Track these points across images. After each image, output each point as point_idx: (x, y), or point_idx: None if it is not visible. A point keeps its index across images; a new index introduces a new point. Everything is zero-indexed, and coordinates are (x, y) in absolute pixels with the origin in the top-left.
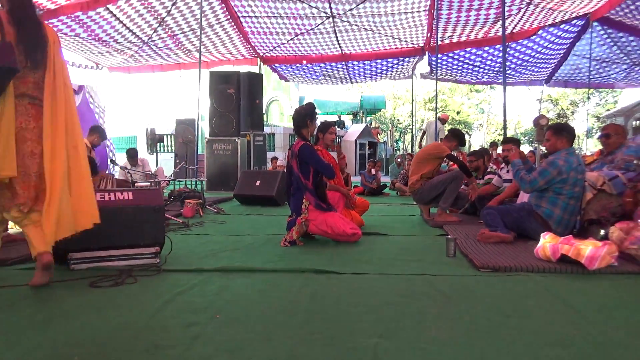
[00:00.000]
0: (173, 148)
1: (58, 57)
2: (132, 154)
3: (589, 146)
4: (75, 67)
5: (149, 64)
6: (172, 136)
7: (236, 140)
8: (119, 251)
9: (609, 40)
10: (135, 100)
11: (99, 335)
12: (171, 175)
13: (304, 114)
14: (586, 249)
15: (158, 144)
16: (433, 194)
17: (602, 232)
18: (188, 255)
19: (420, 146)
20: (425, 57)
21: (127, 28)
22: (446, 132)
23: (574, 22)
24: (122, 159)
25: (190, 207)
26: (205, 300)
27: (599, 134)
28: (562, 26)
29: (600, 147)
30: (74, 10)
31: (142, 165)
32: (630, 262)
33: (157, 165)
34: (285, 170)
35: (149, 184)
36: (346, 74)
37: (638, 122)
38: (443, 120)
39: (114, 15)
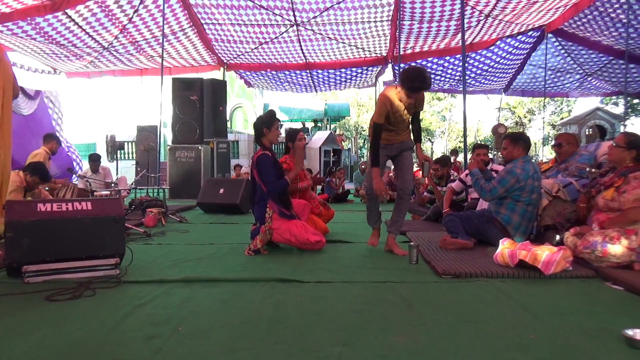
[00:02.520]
0: (134, 155)
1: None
2: (94, 158)
3: (545, 153)
4: (32, 71)
5: (109, 69)
6: (133, 143)
7: (199, 147)
8: (77, 263)
9: (562, 51)
10: (95, 106)
11: (55, 351)
12: (132, 184)
13: (260, 122)
14: (542, 254)
15: (118, 151)
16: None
17: (558, 237)
18: (149, 266)
19: None
20: (389, 66)
21: (87, 33)
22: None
23: (530, 33)
24: (83, 166)
25: (152, 216)
26: (167, 312)
27: (553, 142)
28: (519, 37)
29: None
30: (30, 15)
31: (103, 174)
32: (584, 266)
33: (117, 174)
34: (249, 178)
35: (109, 193)
36: (310, 82)
37: (590, 130)
38: None
39: (73, 20)
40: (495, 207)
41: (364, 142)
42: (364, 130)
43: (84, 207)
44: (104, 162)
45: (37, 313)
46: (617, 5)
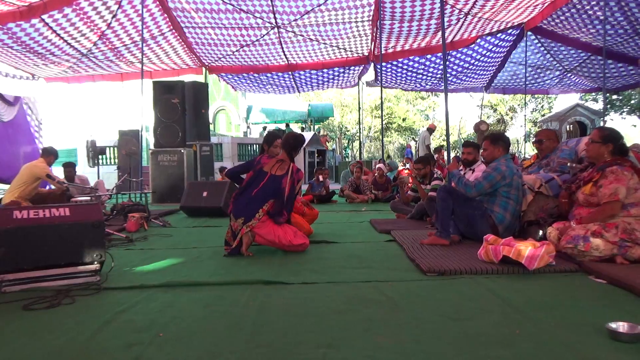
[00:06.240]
0: (116, 160)
1: None
2: (68, 168)
3: (527, 150)
4: (10, 77)
5: (88, 74)
6: (115, 148)
7: (182, 150)
8: (55, 270)
9: (542, 48)
10: (75, 111)
11: None
12: (113, 189)
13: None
14: (526, 249)
15: (100, 156)
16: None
17: (541, 232)
18: (130, 272)
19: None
20: (371, 66)
21: (64, 40)
22: (432, 140)
23: (509, 31)
24: (59, 172)
25: (134, 221)
26: (148, 319)
27: (534, 139)
28: (499, 35)
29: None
30: (5, 21)
31: (80, 183)
32: (567, 261)
33: (98, 179)
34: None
35: (88, 198)
36: (293, 83)
37: (571, 126)
38: (430, 130)
39: (50, 28)
40: (488, 205)
41: (349, 142)
42: (348, 131)
43: (61, 213)
44: (85, 167)
45: (14, 323)
46: (594, 2)
